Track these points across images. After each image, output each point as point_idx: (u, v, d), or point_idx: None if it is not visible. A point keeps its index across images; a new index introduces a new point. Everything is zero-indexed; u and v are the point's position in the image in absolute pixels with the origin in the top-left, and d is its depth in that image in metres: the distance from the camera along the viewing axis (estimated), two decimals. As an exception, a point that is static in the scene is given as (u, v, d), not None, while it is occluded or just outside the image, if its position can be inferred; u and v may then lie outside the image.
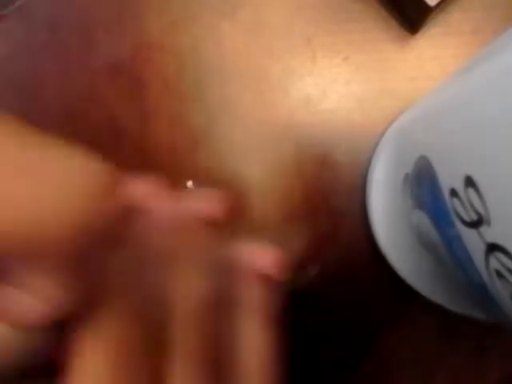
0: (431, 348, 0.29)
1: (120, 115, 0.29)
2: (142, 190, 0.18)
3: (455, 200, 0.17)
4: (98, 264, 0.14)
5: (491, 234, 0.15)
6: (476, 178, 0.15)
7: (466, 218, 0.17)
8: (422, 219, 0.22)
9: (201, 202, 0.19)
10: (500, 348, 0.28)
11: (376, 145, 0.28)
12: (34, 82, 0.29)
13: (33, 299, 0.13)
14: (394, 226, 0.27)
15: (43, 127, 0.29)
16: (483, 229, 0.15)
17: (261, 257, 0.19)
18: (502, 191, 0.14)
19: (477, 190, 0.15)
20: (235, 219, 0.20)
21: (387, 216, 0.27)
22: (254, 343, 0.17)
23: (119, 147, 0.28)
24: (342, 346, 0.29)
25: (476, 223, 0.16)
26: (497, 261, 0.15)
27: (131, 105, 0.29)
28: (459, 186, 0.16)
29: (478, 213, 0.15)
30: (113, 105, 0.29)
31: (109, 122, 0.29)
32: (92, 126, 0.29)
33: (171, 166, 0.29)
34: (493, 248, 0.15)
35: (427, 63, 0.29)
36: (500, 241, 0.14)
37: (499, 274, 0.16)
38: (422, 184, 0.21)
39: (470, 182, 0.15)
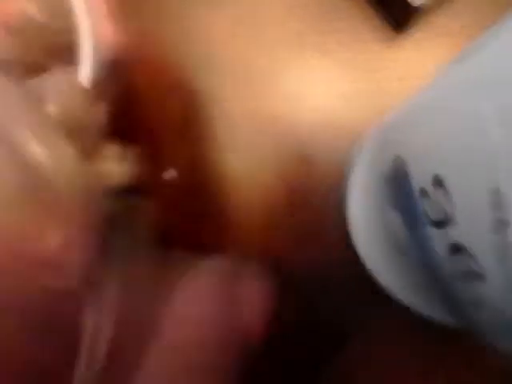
0: (405, 350, 0.29)
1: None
2: None
3: (424, 200, 0.17)
4: None
5: (454, 233, 0.15)
6: (443, 176, 0.15)
7: (434, 218, 0.16)
8: (396, 220, 0.22)
9: None
10: (472, 356, 0.28)
11: (359, 145, 0.28)
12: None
13: None
14: (372, 227, 0.27)
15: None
16: (448, 228, 0.15)
17: None
18: (464, 188, 0.13)
19: (444, 188, 0.15)
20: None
21: (365, 217, 0.27)
22: None
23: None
24: (315, 344, 0.29)
25: (442, 223, 0.16)
26: (459, 261, 0.15)
27: (114, 91, 0.28)
28: (429, 184, 0.16)
29: (444, 212, 0.15)
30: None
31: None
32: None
33: (151, 154, 0.28)
34: (455, 248, 0.15)
35: (414, 64, 0.29)
36: (462, 240, 0.14)
37: (462, 276, 0.15)
38: (397, 184, 0.21)
39: (438, 181, 0.15)
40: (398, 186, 0.20)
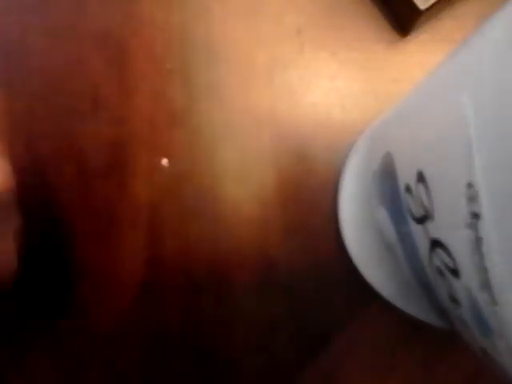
0: (388, 351, 0.29)
1: (102, 84, 0.29)
2: None
3: (408, 196, 0.17)
4: None
5: (434, 229, 0.15)
6: (425, 171, 0.15)
7: (416, 214, 0.17)
8: (383, 216, 0.22)
9: None
10: (454, 357, 0.28)
11: (353, 143, 0.28)
12: (21, 42, 0.29)
13: None
14: (362, 224, 0.27)
15: (27, 89, 0.29)
16: (428, 224, 0.15)
17: None
18: (443, 182, 0.14)
19: (425, 184, 0.15)
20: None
21: (356, 214, 0.27)
22: None
23: (98, 115, 0.28)
24: (298, 341, 0.29)
25: (423, 219, 0.16)
26: (437, 257, 0.15)
27: (114, 75, 0.29)
28: (412, 181, 0.16)
29: (424, 208, 0.15)
30: (96, 73, 0.29)
31: (91, 90, 0.29)
32: (73, 93, 0.29)
33: (148, 140, 0.29)
34: (435, 244, 0.15)
35: (413, 67, 0.29)
36: (440, 236, 0.14)
37: (440, 272, 0.16)
38: (385, 181, 0.21)
39: (421, 177, 0.15)
40: (386, 183, 0.20)
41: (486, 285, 0.12)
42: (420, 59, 0.29)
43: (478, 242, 0.12)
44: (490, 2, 0.28)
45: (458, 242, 0.13)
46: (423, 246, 0.16)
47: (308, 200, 0.29)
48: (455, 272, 0.14)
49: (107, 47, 0.29)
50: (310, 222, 0.29)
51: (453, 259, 0.14)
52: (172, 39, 0.29)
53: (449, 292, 0.16)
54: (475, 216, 0.12)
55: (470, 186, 0.12)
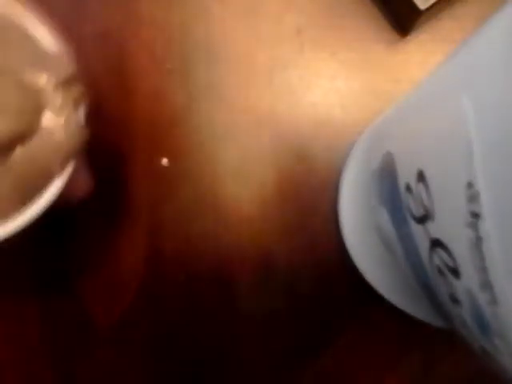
0: (388, 351, 0.29)
1: (102, 84, 0.29)
2: None
3: (409, 195, 0.17)
4: None
5: (434, 228, 0.15)
6: (425, 170, 0.15)
7: (416, 214, 0.17)
8: (383, 216, 0.22)
9: None
10: (455, 356, 0.28)
11: (353, 143, 0.28)
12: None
13: None
14: (362, 224, 0.27)
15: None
16: (428, 224, 0.15)
17: None
18: (443, 182, 0.14)
19: (426, 184, 0.15)
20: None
21: (356, 214, 0.27)
22: None
23: (98, 115, 0.28)
24: (298, 341, 0.29)
25: (423, 218, 0.16)
26: (438, 257, 0.15)
27: (115, 75, 0.29)
28: (413, 180, 0.16)
29: (425, 208, 0.15)
30: (96, 73, 0.29)
31: (91, 90, 0.29)
32: (73, 93, 0.29)
33: (148, 140, 0.29)
34: (435, 243, 0.15)
35: (413, 67, 0.29)
36: (440, 235, 0.14)
37: (440, 272, 0.16)
38: (385, 180, 0.21)
39: (421, 177, 0.15)
40: (386, 182, 0.21)
41: (486, 285, 0.12)
42: (420, 59, 0.29)
43: (478, 241, 0.12)
44: (490, 3, 0.28)
45: (458, 241, 0.13)
46: (423, 245, 0.16)
47: (308, 199, 0.29)
48: (455, 272, 0.14)
49: (107, 47, 0.29)
50: (309, 221, 0.29)
51: (453, 259, 0.14)
52: (172, 39, 0.29)
53: (449, 292, 0.16)
54: (475, 216, 0.12)
55: (470, 185, 0.12)
